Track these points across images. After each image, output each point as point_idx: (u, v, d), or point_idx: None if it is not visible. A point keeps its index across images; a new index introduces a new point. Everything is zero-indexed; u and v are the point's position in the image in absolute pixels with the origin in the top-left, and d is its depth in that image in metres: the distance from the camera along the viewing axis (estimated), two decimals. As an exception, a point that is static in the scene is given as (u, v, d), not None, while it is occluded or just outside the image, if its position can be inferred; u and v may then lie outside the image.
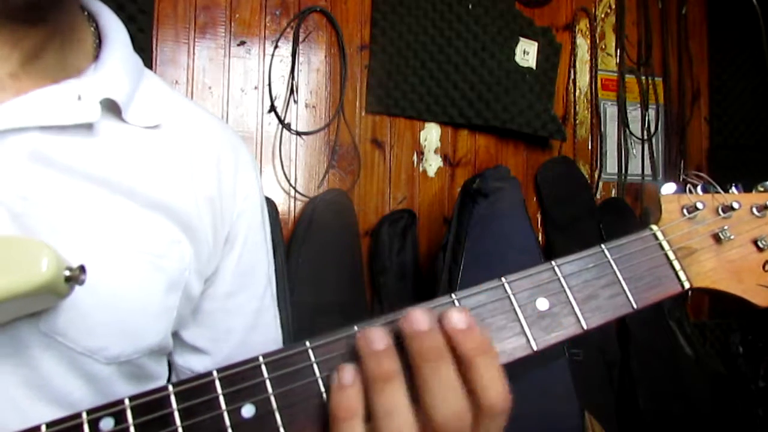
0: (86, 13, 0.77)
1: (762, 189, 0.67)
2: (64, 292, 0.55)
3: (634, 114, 2.60)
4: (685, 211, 0.63)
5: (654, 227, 0.62)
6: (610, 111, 2.58)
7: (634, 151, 2.60)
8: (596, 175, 2.54)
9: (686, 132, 2.66)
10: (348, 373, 0.49)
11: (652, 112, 2.63)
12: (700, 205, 0.63)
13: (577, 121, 2.52)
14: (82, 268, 0.56)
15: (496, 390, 0.49)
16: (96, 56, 0.74)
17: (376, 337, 0.49)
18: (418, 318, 0.50)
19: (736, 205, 0.63)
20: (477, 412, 0.49)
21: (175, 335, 0.80)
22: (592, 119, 2.56)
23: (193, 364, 0.82)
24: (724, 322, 2.53)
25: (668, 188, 0.64)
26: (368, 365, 0.48)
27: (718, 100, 2.71)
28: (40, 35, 0.66)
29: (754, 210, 0.65)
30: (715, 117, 2.72)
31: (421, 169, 2.24)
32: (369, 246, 2.15)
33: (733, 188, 0.65)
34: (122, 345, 0.67)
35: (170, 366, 0.83)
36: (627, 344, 2.22)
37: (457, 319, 0.50)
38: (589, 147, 2.55)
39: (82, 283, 0.56)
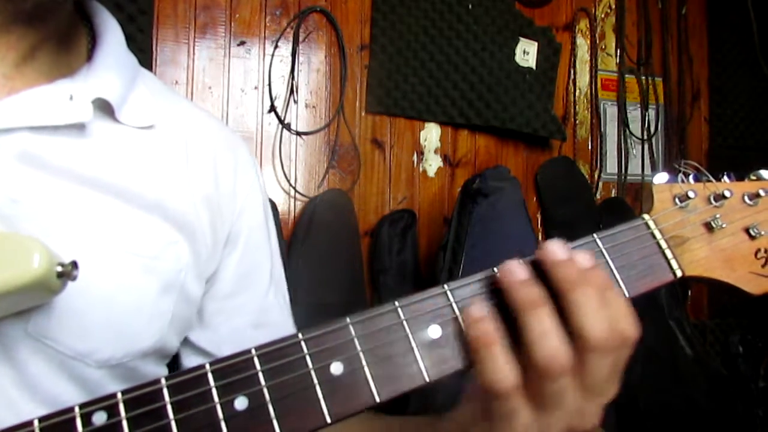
0: (80, 13, 0.77)
1: (754, 177, 0.67)
2: (56, 288, 0.55)
3: (634, 114, 2.60)
4: (677, 200, 0.63)
5: (646, 216, 0.62)
6: (610, 111, 2.57)
7: (634, 151, 2.60)
8: (596, 175, 2.53)
9: (686, 132, 2.66)
10: (479, 308, 0.52)
11: (652, 112, 2.63)
12: (691, 194, 0.63)
13: (577, 121, 2.52)
14: (74, 264, 0.55)
15: (628, 319, 0.52)
16: (90, 56, 0.73)
17: (518, 269, 0.53)
18: (557, 249, 0.53)
19: (727, 194, 0.63)
20: None
21: (185, 339, 0.80)
22: (592, 119, 2.55)
23: None
24: (724, 322, 2.53)
25: (660, 178, 0.64)
26: (517, 294, 0.52)
27: (718, 100, 2.70)
28: (37, 37, 0.66)
29: (746, 198, 0.65)
30: (715, 117, 2.71)
31: (421, 169, 2.24)
32: (369, 246, 2.15)
33: (725, 177, 0.65)
34: (113, 348, 0.66)
35: (174, 368, 0.81)
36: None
37: (583, 259, 0.53)
38: (589, 147, 2.55)
39: (74, 278, 0.56)
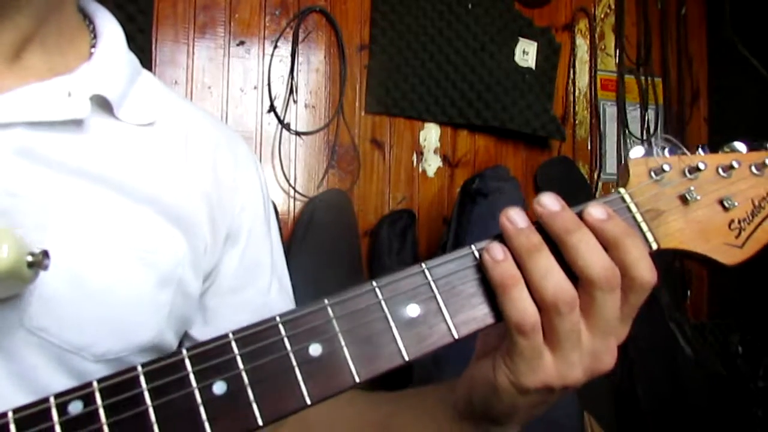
0: (86, 17, 0.78)
1: (728, 150, 0.67)
2: (28, 277, 0.55)
3: (633, 114, 2.60)
4: (652, 173, 0.63)
5: (621, 190, 0.62)
6: (610, 111, 2.57)
7: (634, 151, 2.59)
8: (596, 175, 2.53)
9: (686, 132, 2.66)
10: (498, 249, 0.55)
11: (651, 113, 2.62)
12: (666, 167, 0.62)
13: (577, 121, 2.52)
14: (45, 253, 0.55)
15: (645, 264, 0.55)
16: (90, 56, 0.74)
17: (518, 217, 0.56)
18: (551, 201, 0.57)
19: (702, 166, 0.63)
20: (629, 286, 0.55)
21: (186, 335, 0.80)
22: (591, 119, 2.55)
23: None
24: (724, 323, 2.51)
25: (636, 152, 0.64)
26: (518, 240, 0.55)
27: (718, 100, 2.70)
28: (15, 34, 0.66)
29: (720, 170, 0.65)
30: (715, 117, 2.71)
31: (420, 169, 2.25)
32: (369, 246, 2.15)
33: (700, 150, 0.65)
34: (110, 342, 0.66)
35: None
36: (626, 344, 2.20)
37: (597, 212, 0.57)
38: (589, 147, 2.55)
39: (45, 268, 0.56)
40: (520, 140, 2.38)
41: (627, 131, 2.57)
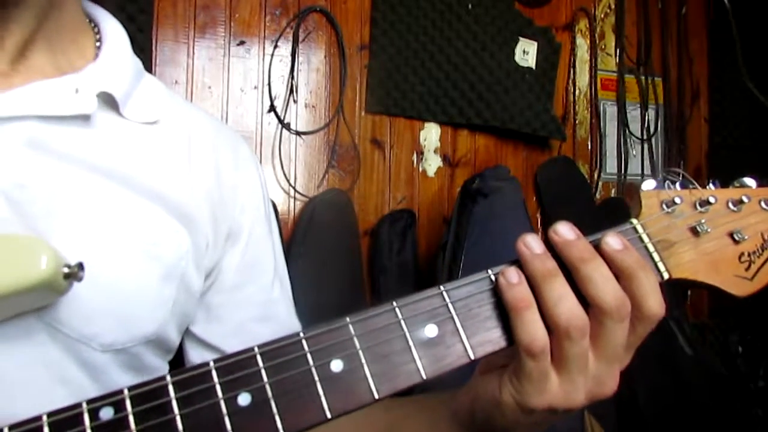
0: (91, 20, 0.80)
1: (738, 185, 0.69)
2: (62, 288, 0.57)
3: (633, 114, 2.60)
4: (664, 205, 0.65)
5: (634, 221, 0.64)
6: (610, 111, 2.58)
7: (634, 151, 2.60)
8: (596, 175, 2.53)
9: (686, 132, 2.66)
10: (513, 273, 0.57)
11: (651, 112, 2.63)
12: (678, 200, 0.65)
13: (577, 121, 2.52)
14: (80, 266, 0.57)
15: (655, 297, 0.57)
16: (96, 57, 0.77)
17: (534, 243, 0.58)
18: (567, 230, 0.58)
19: (712, 200, 0.66)
20: (638, 317, 0.57)
21: (188, 333, 0.82)
22: (591, 119, 2.56)
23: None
24: (724, 322, 2.52)
25: (648, 184, 0.66)
26: (534, 265, 0.56)
27: (718, 100, 2.70)
28: (19, 33, 0.68)
29: (730, 204, 0.67)
30: (715, 117, 2.71)
31: (420, 169, 2.25)
32: (369, 246, 2.15)
33: (710, 184, 0.68)
34: (116, 332, 0.68)
35: (177, 364, 0.83)
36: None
37: (614, 242, 0.58)
38: (589, 147, 2.55)
39: (80, 279, 0.57)
40: (520, 140, 2.38)
41: (627, 131, 2.57)
